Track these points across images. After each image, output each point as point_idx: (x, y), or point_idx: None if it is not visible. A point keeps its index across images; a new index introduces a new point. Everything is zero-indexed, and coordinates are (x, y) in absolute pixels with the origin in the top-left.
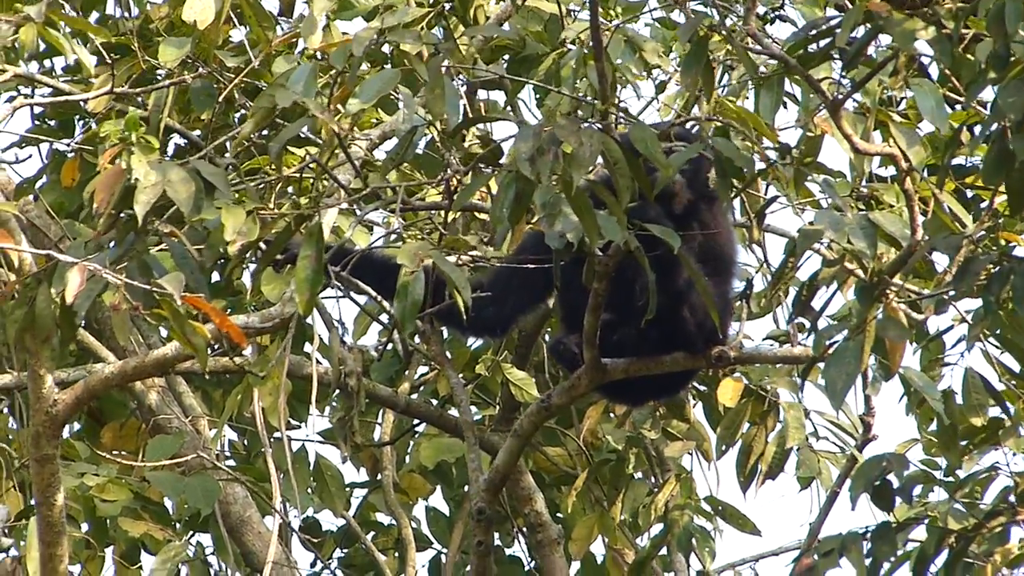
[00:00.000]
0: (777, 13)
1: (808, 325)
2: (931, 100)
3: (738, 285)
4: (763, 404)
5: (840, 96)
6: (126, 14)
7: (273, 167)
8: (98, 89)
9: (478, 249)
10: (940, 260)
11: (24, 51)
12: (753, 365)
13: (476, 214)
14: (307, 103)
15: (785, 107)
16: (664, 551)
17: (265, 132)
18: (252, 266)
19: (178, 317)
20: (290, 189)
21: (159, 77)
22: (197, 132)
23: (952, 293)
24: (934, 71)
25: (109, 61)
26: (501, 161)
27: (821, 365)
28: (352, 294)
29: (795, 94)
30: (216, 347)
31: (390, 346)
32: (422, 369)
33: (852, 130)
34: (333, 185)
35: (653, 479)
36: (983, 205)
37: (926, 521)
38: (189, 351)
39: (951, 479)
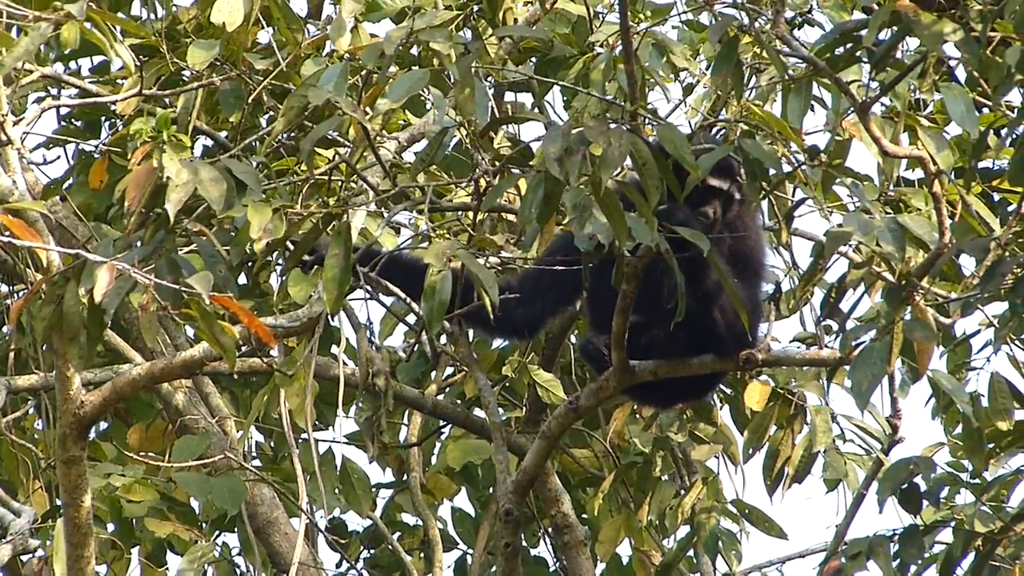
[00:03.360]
0: (805, 18)
1: (835, 328)
2: (961, 104)
3: (767, 288)
4: (790, 408)
5: (869, 99)
6: (153, 16)
7: (303, 167)
8: (127, 91)
9: (506, 249)
10: (967, 264)
11: (66, 48)
12: (780, 368)
13: (504, 216)
14: (339, 101)
15: (813, 111)
16: (691, 553)
17: (293, 134)
18: (280, 268)
19: (207, 316)
20: (316, 194)
21: (185, 79)
22: (224, 133)
23: (980, 296)
24: (961, 75)
25: (138, 63)
26: (530, 163)
27: (847, 368)
28: (379, 295)
29: (823, 99)
30: (243, 348)
31: (417, 347)
32: (448, 371)
33: (880, 133)
34: (362, 186)
35: (679, 481)
36: (1010, 208)
37: (953, 524)
38: (217, 352)
39: (977, 481)
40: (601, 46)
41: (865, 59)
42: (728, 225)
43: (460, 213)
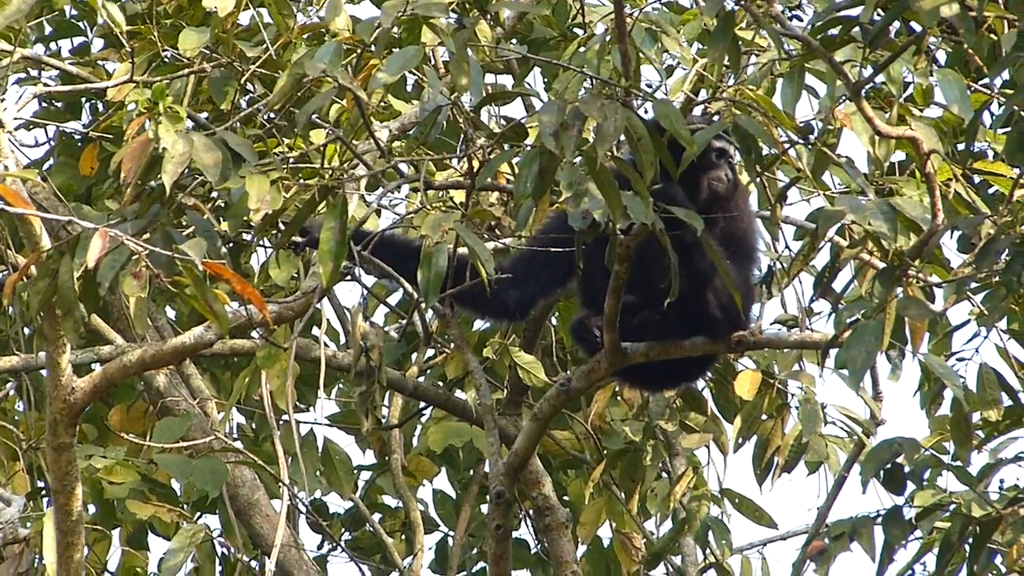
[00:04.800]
0: (794, 13)
1: (819, 310)
2: (955, 89)
3: (759, 271)
4: (779, 396)
5: (863, 80)
6: None
7: (295, 145)
8: (118, 77)
9: (501, 220)
10: (954, 256)
11: (60, 5)
12: (763, 352)
13: (492, 200)
14: (334, 75)
15: (809, 99)
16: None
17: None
18: (261, 251)
19: (200, 285)
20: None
21: (166, 60)
22: (204, 114)
23: (975, 278)
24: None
25: (127, 47)
26: (522, 141)
27: (838, 350)
28: (361, 278)
29: (815, 89)
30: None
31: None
32: (429, 352)
33: (873, 114)
34: (355, 164)
35: (662, 465)
36: (991, 191)
37: (951, 509)
38: (207, 340)
39: (959, 463)
40: (587, 29)
41: (859, 40)
42: (721, 207)
43: (450, 193)
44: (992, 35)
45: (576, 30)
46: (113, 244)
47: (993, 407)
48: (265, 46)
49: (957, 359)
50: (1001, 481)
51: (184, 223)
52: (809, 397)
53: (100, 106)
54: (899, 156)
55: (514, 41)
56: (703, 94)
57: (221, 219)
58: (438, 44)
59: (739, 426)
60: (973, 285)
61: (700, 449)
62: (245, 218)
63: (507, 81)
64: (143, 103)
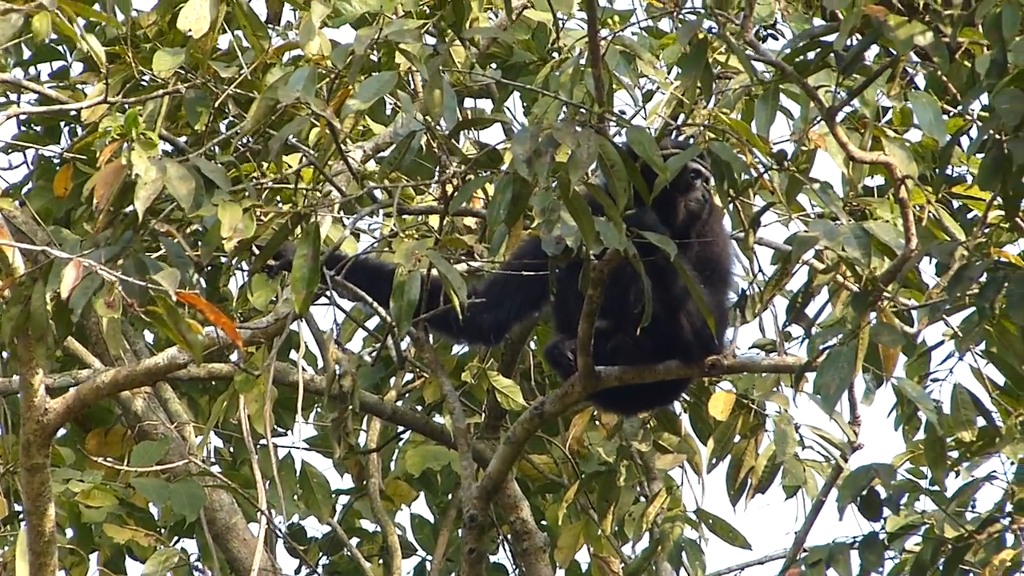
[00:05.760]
0: (769, 32)
1: (800, 333)
2: (929, 112)
3: (733, 295)
4: (754, 417)
5: (836, 104)
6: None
7: (269, 169)
8: (92, 98)
9: (474, 249)
10: (930, 275)
11: (39, 38)
12: (740, 375)
13: (467, 222)
14: (308, 100)
15: (785, 120)
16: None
17: (257, 139)
18: (240, 274)
19: (173, 314)
20: (283, 198)
21: (144, 84)
22: (183, 139)
23: (947, 302)
24: (921, 86)
25: (103, 69)
26: (497, 167)
27: (813, 375)
28: (338, 301)
29: (790, 109)
30: (206, 352)
31: (380, 352)
32: (408, 376)
33: (847, 139)
34: (328, 190)
35: (640, 488)
36: (970, 216)
37: (923, 529)
38: (181, 361)
39: (937, 488)
40: (563, 53)
41: (833, 65)
42: (699, 228)
43: (425, 218)
44: (967, 63)
45: (556, 54)
46: (87, 274)
47: (967, 428)
48: (240, 67)
49: (932, 380)
50: (974, 501)
51: (160, 246)
52: (784, 418)
53: (79, 130)
54: (879, 180)
55: (493, 65)
56: (683, 118)
57: (199, 243)
58: (415, 69)
59: (712, 447)
60: (948, 306)
61: (675, 470)
62: (219, 245)
63: (487, 105)
64: (116, 129)
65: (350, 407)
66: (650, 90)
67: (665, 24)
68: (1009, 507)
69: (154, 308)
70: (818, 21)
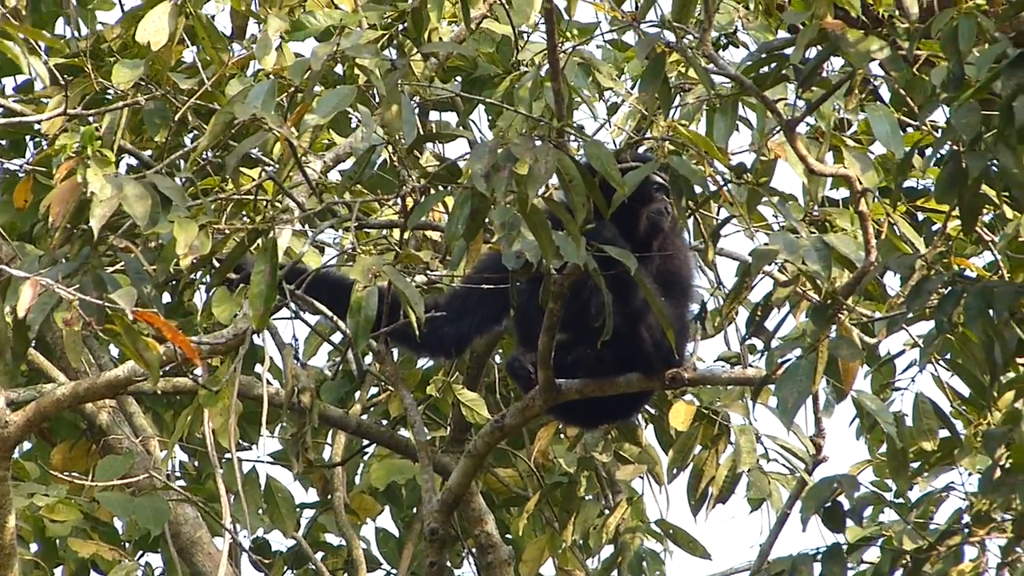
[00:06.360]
0: (729, 40)
1: (760, 346)
2: (886, 125)
3: (694, 307)
4: (714, 428)
5: (795, 118)
6: (77, 34)
7: (228, 186)
8: (51, 110)
9: (432, 266)
10: (892, 285)
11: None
12: (705, 387)
13: (428, 235)
14: (265, 117)
15: (738, 131)
16: (614, 573)
17: (218, 153)
18: (204, 287)
19: (131, 332)
20: (241, 212)
21: (108, 97)
22: (148, 152)
23: (908, 316)
24: (886, 96)
25: (63, 82)
26: (457, 181)
27: (773, 387)
28: (303, 314)
29: (749, 119)
30: (168, 368)
31: (342, 366)
32: (373, 390)
33: (806, 152)
34: (288, 204)
35: (604, 501)
36: (934, 228)
37: (881, 541)
38: (141, 373)
39: (901, 501)
40: (526, 65)
41: (791, 78)
42: (661, 240)
43: (386, 232)
44: (924, 77)
45: (524, 68)
46: (44, 291)
47: (930, 438)
48: (200, 78)
49: (894, 389)
50: (933, 513)
51: (118, 258)
52: (745, 430)
53: (44, 144)
54: (843, 193)
55: (459, 78)
56: (643, 131)
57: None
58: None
59: (672, 457)
60: (909, 316)
61: (636, 481)
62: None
63: (452, 118)
64: (71, 146)
65: (308, 424)
66: (615, 103)
67: (630, 37)
68: (967, 519)
69: (111, 326)
70: (782, 34)
